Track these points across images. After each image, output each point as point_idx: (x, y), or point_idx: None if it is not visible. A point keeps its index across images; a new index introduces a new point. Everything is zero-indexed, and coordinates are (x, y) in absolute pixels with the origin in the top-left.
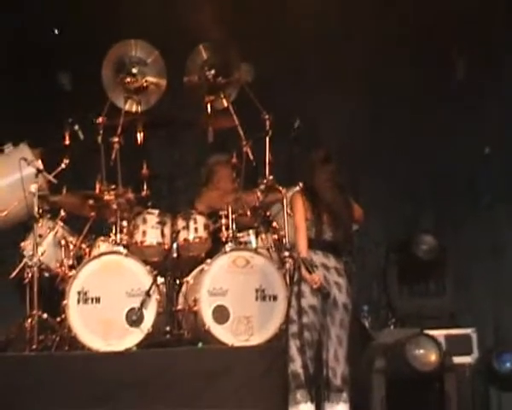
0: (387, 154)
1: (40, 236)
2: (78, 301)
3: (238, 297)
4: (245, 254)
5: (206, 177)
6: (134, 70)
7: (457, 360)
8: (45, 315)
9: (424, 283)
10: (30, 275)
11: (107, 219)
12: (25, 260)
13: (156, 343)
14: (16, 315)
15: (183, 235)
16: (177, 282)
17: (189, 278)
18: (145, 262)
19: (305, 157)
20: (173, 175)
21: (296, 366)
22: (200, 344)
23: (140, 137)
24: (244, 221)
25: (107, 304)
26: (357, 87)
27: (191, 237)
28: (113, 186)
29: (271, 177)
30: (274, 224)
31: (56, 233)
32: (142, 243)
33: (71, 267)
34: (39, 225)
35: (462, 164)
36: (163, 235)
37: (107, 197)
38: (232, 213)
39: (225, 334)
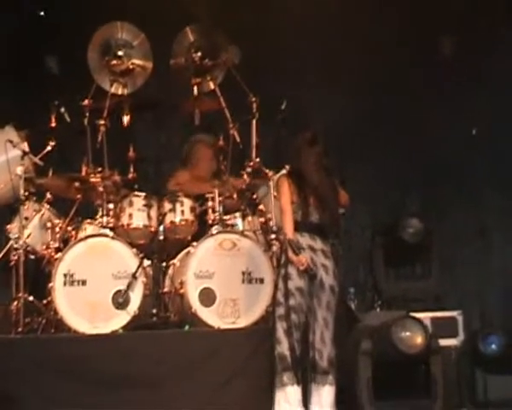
0: (374, 138)
1: (26, 218)
2: (65, 284)
3: (224, 280)
4: (231, 237)
5: (186, 155)
6: (120, 53)
7: (443, 342)
8: (31, 298)
9: (410, 265)
10: (16, 257)
11: (93, 202)
12: (11, 242)
13: (142, 326)
14: (2, 298)
15: (169, 217)
16: (164, 264)
17: (176, 261)
18: (131, 245)
19: (292, 139)
20: (160, 158)
21: (283, 348)
22: (186, 327)
23: (126, 119)
24: (229, 204)
25: (94, 286)
26: (344, 72)
27: (177, 219)
28: (99, 169)
29: (258, 159)
30: (260, 207)
31: (42, 216)
32: (128, 225)
33: (57, 250)
34: (25, 207)
35: (448, 148)
36: (149, 217)
37: (93, 180)
38: (219, 196)
39: (212, 316)
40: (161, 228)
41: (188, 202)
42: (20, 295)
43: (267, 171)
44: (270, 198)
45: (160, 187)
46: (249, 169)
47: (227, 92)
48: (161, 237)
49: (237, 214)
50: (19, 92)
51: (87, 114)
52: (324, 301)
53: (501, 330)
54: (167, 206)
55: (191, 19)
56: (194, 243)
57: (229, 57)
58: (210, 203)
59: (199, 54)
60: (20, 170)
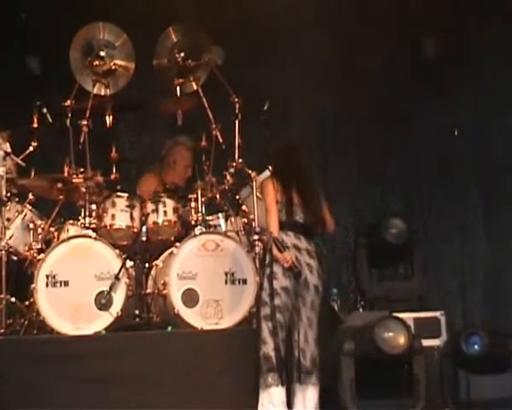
0: (356, 138)
1: (8, 219)
2: (47, 285)
3: (207, 281)
4: (214, 238)
5: (164, 156)
6: (102, 53)
7: (426, 342)
8: (13, 299)
9: (393, 266)
10: None
11: (75, 203)
12: None
13: (125, 327)
14: None
15: (152, 218)
16: (147, 265)
17: (159, 262)
18: (114, 246)
19: (276, 145)
20: (142, 158)
21: (268, 348)
22: (169, 328)
23: (109, 120)
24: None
25: (76, 288)
26: (327, 71)
27: (160, 220)
28: (81, 169)
29: (241, 160)
30: (243, 207)
31: (25, 217)
32: (111, 226)
33: (39, 251)
34: (7, 208)
35: (431, 147)
36: (132, 218)
37: (75, 181)
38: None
39: (194, 317)
40: (144, 229)
41: (170, 203)
42: (2, 296)
43: (250, 171)
44: (253, 199)
45: None
46: (232, 170)
47: (210, 93)
48: (144, 238)
49: (220, 215)
50: (0, 93)
51: (69, 115)
52: (309, 300)
53: (483, 330)
54: (150, 207)
55: (174, 19)
56: (177, 244)
57: (212, 58)
58: (193, 204)
59: (182, 54)
60: (1, 170)
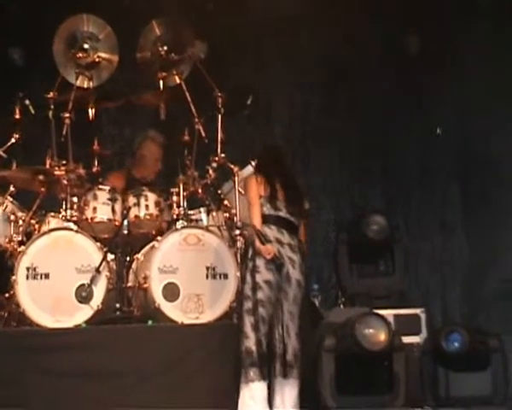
0: (338, 135)
1: None
2: (27, 277)
3: (189, 275)
4: (196, 232)
5: (134, 151)
6: (86, 45)
7: (406, 339)
8: None
9: (374, 262)
10: None
11: (57, 195)
12: None
13: (106, 320)
14: None
15: (133, 212)
16: (128, 259)
17: (140, 255)
18: (95, 239)
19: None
20: (124, 152)
21: (250, 342)
22: (149, 322)
23: (91, 113)
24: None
25: (57, 280)
26: (311, 67)
27: (142, 213)
28: (63, 162)
29: (223, 155)
30: (225, 202)
31: (5, 208)
32: (92, 219)
33: (20, 243)
34: None
35: (413, 145)
36: (114, 211)
37: (57, 173)
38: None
39: (175, 311)
40: (125, 222)
41: (152, 197)
42: None
43: (232, 166)
44: (234, 194)
45: None
46: (214, 164)
47: (193, 87)
48: (125, 232)
49: (202, 209)
50: None
51: (52, 107)
52: (291, 294)
53: (463, 328)
54: (132, 200)
55: (158, 13)
56: (159, 238)
57: (196, 52)
58: (175, 198)
59: (165, 48)
60: None
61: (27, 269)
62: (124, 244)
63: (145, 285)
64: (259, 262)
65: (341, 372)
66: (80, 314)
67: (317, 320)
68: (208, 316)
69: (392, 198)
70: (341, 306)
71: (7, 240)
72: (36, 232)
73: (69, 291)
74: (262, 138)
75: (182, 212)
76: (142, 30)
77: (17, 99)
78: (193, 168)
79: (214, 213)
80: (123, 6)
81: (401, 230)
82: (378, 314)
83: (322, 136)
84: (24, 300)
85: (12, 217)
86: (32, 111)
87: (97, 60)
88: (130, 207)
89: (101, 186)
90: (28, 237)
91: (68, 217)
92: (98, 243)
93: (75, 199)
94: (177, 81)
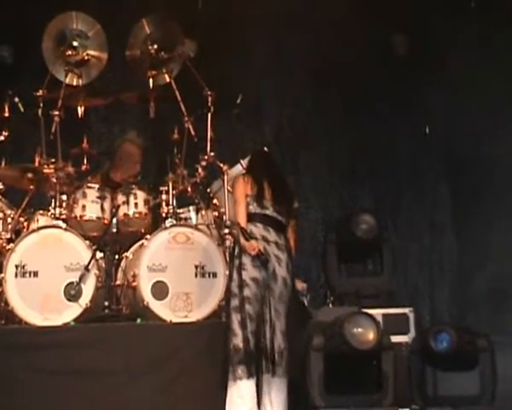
0: (327, 134)
1: None
2: (16, 275)
3: (177, 273)
4: (185, 231)
5: (113, 153)
6: (75, 43)
7: (394, 338)
8: None
9: (363, 262)
10: None
11: (46, 193)
12: None
13: (94, 318)
14: None
15: (122, 210)
16: (117, 257)
17: (129, 254)
18: (84, 237)
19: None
20: (114, 150)
21: (237, 340)
22: (138, 320)
23: (81, 111)
24: None
25: (46, 278)
26: (300, 67)
27: (131, 212)
28: (52, 160)
29: (212, 153)
30: (214, 200)
31: None
32: (81, 217)
33: (9, 241)
34: None
35: (401, 145)
36: (103, 209)
37: (46, 171)
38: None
39: (164, 310)
40: (114, 220)
41: (141, 195)
42: None
43: (222, 165)
44: (224, 192)
45: None
46: (203, 163)
47: (183, 85)
48: (114, 230)
49: (191, 208)
50: None
51: (41, 105)
52: (277, 292)
53: (452, 327)
54: (121, 198)
55: (147, 11)
56: (148, 236)
57: (185, 50)
58: (164, 196)
59: (155, 46)
60: None
61: (16, 267)
62: (113, 242)
63: (134, 283)
64: (246, 260)
65: (330, 371)
66: (69, 312)
67: (306, 319)
68: (197, 315)
69: (381, 198)
70: (330, 305)
71: None
72: (25, 230)
73: (58, 289)
74: (251, 137)
75: (171, 210)
76: (132, 28)
77: (6, 97)
78: (182, 167)
79: (203, 212)
80: (112, 4)
81: (390, 229)
82: (367, 314)
83: (311, 135)
84: (12, 298)
85: (0, 214)
86: (22, 109)
87: (86, 58)
88: (119, 206)
89: (90, 184)
90: (17, 234)
91: (57, 215)
92: (87, 241)
93: (64, 197)
94: (167, 79)
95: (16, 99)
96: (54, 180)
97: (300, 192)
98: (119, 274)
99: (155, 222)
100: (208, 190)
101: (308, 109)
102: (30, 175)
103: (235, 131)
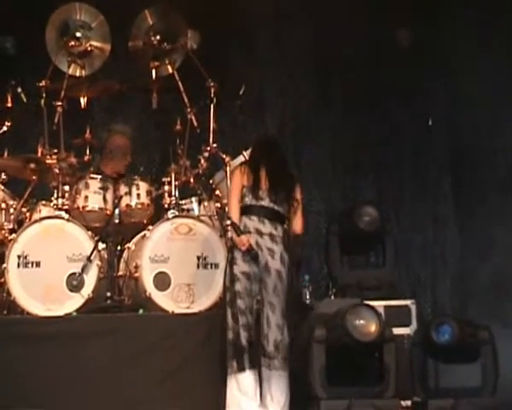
0: (330, 126)
1: None
2: (18, 265)
3: (180, 264)
4: (187, 222)
5: (101, 147)
6: (78, 34)
7: (396, 331)
8: None
9: (365, 254)
10: None
11: (48, 184)
12: None
13: (97, 309)
14: None
15: (125, 201)
16: (119, 248)
17: (131, 245)
18: (87, 227)
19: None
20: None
21: (232, 334)
22: (140, 311)
23: (83, 101)
24: None
25: (48, 269)
26: (304, 58)
27: (133, 202)
28: (55, 150)
29: (215, 144)
30: (217, 192)
31: None
32: (83, 207)
33: (11, 231)
34: None
35: (405, 137)
36: (105, 200)
37: (49, 161)
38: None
39: (166, 301)
40: (117, 211)
41: (144, 186)
42: None
43: (224, 156)
44: (226, 183)
45: None
46: (206, 154)
47: (186, 76)
48: (117, 221)
49: (193, 199)
50: None
51: (44, 95)
52: (270, 285)
53: (454, 320)
54: (123, 189)
55: (150, 2)
56: (150, 227)
57: (188, 41)
58: (166, 187)
59: (158, 37)
60: None
61: (18, 257)
62: (115, 233)
63: (136, 274)
64: (237, 254)
65: (332, 363)
66: (71, 303)
67: (307, 311)
68: (199, 306)
69: (384, 190)
70: (332, 297)
71: None
72: (27, 221)
73: (60, 280)
74: (254, 129)
75: (173, 201)
76: (135, 19)
77: (9, 87)
78: (185, 158)
79: (206, 203)
80: None
81: (392, 222)
82: (369, 305)
83: (314, 127)
84: (15, 288)
85: (3, 205)
86: (24, 99)
87: (89, 48)
88: (121, 197)
89: (92, 175)
90: (19, 225)
91: (60, 205)
92: (89, 232)
93: (66, 187)
94: (170, 71)
95: (19, 89)
96: (56, 171)
97: (303, 184)
98: (122, 265)
99: (158, 213)
100: (211, 181)
101: (311, 101)
102: (32, 165)
103: (237, 122)
